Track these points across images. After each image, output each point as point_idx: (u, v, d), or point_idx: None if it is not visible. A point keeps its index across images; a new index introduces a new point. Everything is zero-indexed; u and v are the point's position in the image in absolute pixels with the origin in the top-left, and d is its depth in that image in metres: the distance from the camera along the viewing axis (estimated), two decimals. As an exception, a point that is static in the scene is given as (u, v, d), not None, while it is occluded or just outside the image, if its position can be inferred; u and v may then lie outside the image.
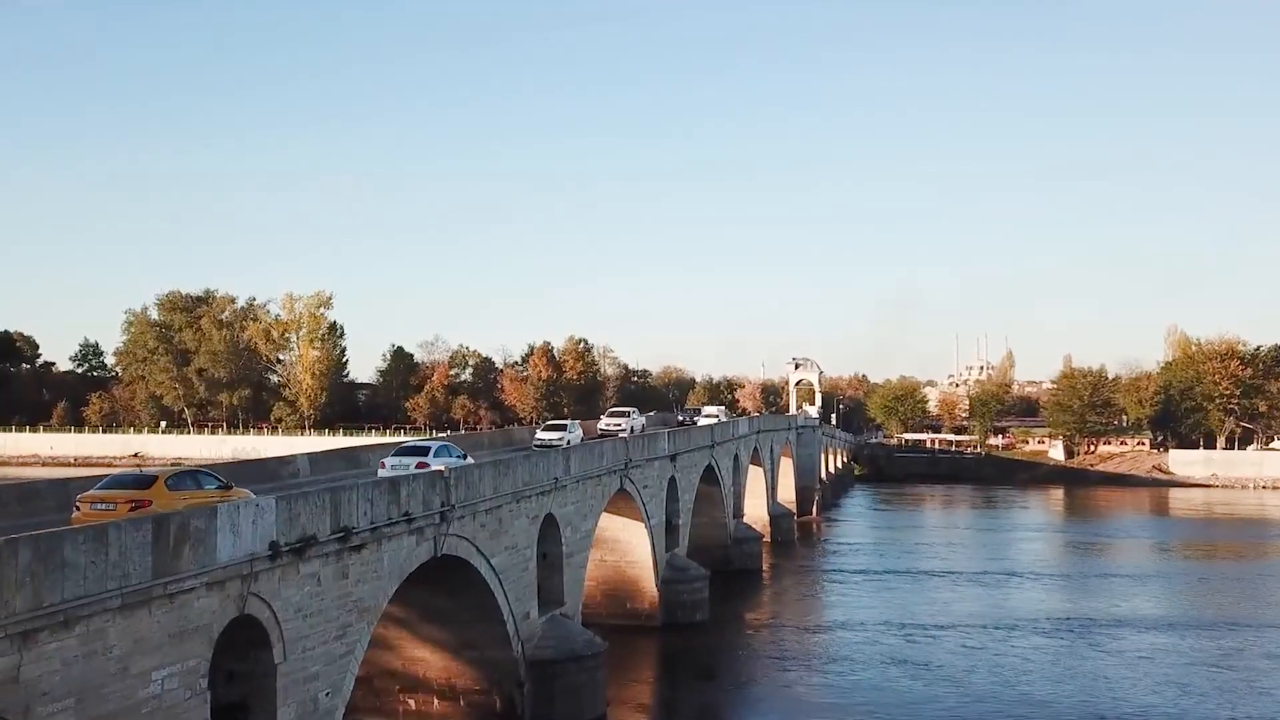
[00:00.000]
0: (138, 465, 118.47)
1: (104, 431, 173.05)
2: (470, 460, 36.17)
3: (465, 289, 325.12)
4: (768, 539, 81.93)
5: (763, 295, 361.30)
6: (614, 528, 50.53)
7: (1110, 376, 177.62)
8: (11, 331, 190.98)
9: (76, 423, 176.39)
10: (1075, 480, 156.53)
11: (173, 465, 49.33)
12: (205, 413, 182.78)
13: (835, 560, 79.84)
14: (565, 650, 36.61)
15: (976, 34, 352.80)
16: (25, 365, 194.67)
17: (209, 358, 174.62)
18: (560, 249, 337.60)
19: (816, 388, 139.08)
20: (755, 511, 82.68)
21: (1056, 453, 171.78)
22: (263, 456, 66.82)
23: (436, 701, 34.89)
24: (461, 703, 34.77)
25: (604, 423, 64.69)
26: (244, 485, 26.30)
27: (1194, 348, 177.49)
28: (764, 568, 73.83)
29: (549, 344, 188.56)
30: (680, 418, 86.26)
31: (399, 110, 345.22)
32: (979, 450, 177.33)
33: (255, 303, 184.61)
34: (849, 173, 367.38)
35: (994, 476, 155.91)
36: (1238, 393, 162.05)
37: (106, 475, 23.94)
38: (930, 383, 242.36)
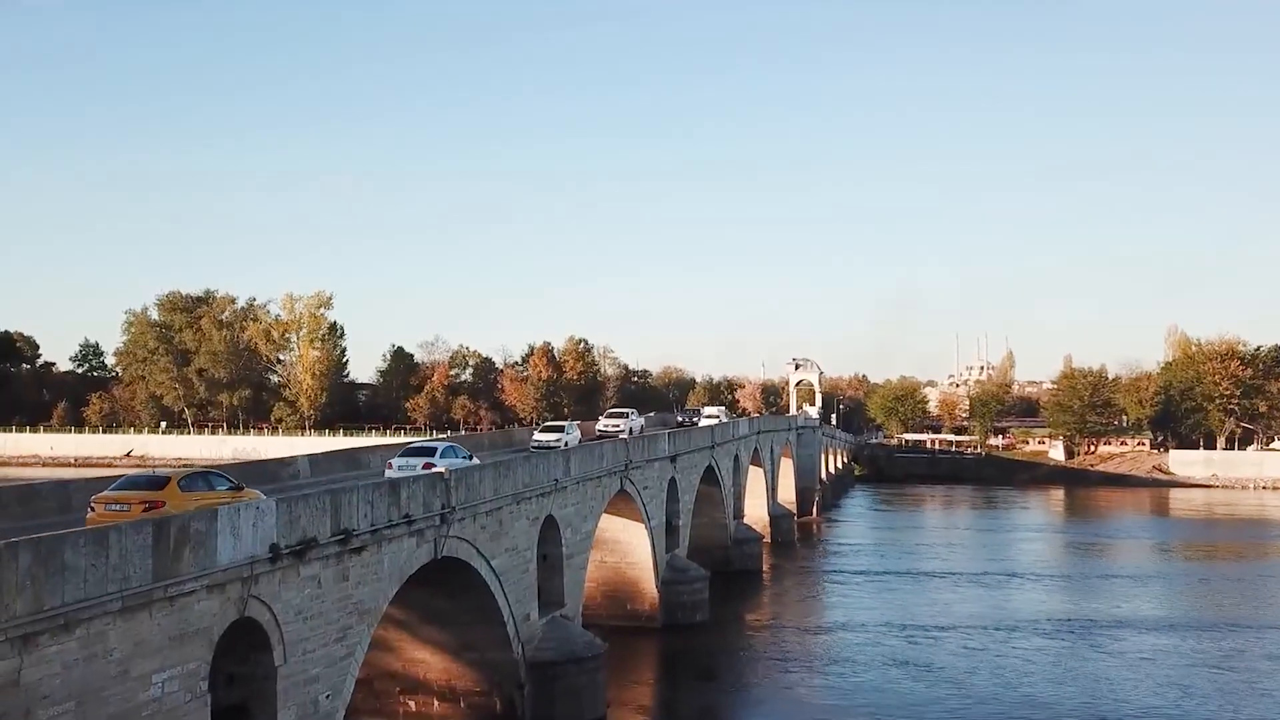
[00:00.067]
0: (138, 465, 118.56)
1: (104, 432, 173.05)
2: (476, 461, 36.23)
3: (465, 289, 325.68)
4: (768, 540, 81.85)
5: (763, 295, 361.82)
6: (614, 529, 50.49)
7: (1110, 377, 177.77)
8: (11, 331, 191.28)
9: (77, 423, 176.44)
10: (1075, 480, 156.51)
11: (183, 466, 49.31)
12: (205, 413, 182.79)
13: (836, 561, 79.78)
14: (565, 652, 36.59)
15: (976, 34, 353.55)
16: (25, 365, 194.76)
17: (209, 358, 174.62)
18: (560, 249, 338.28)
19: (817, 388, 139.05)
20: (755, 512, 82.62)
21: (1057, 453, 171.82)
22: (263, 457, 66.91)
23: (437, 703, 34.87)
24: (462, 704, 34.74)
25: (602, 424, 64.34)
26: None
27: (1194, 348, 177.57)
28: (764, 568, 73.74)
29: (549, 344, 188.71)
30: (680, 418, 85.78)
31: (399, 110, 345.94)
32: (979, 450, 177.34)
33: (255, 303, 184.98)
34: (849, 173, 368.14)
35: (994, 477, 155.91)
36: (1238, 393, 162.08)
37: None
38: (930, 383, 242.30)
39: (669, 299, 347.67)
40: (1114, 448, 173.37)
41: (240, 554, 20.43)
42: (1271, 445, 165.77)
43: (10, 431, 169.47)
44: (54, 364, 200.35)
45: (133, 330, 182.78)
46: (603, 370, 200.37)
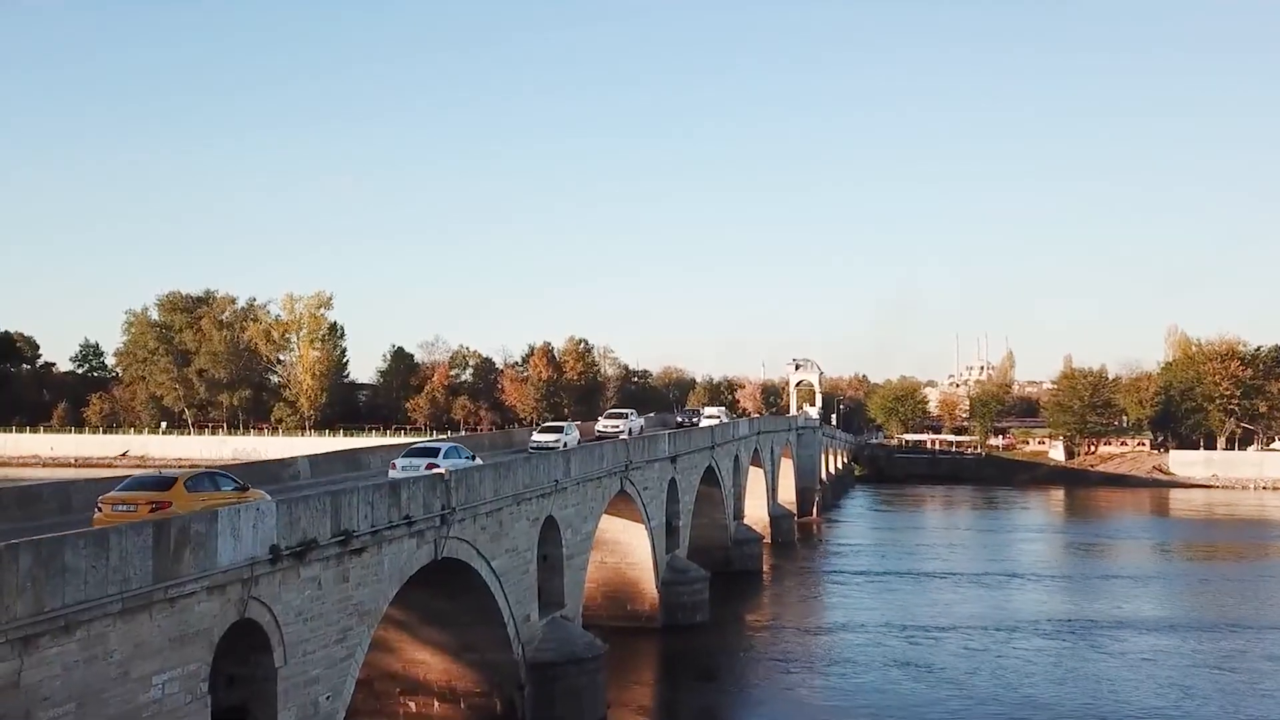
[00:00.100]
0: (136, 465, 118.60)
1: (104, 432, 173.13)
2: (479, 462, 36.24)
3: (465, 289, 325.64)
4: (768, 540, 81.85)
5: (763, 295, 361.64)
6: (614, 529, 50.46)
7: (1110, 377, 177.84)
8: (11, 332, 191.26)
9: (77, 423, 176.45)
10: (1075, 481, 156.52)
11: (184, 467, 49.31)
12: (205, 413, 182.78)
13: (836, 561, 79.76)
14: (566, 652, 36.57)
15: (976, 34, 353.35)
16: (25, 366, 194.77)
17: (209, 358, 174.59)
18: (560, 249, 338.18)
19: (817, 388, 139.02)
20: (755, 513, 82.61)
21: (1057, 453, 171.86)
22: (263, 458, 66.84)
23: (437, 704, 34.84)
24: (462, 705, 34.72)
25: (602, 424, 64.15)
26: (245, 488, 26.28)
27: (1194, 348, 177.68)
28: (764, 569, 73.73)
29: (549, 344, 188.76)
30: (679, 418, 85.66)
31: (399, 110, 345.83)
32: (979, 451, 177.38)
33: (255, 303, 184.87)
34: (849, 173, 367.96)
35: (994, 477, 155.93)
36: (1238, 393, 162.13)
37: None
38: (930, 383, 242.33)
39: (669, 299, 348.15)
40: (1114, 448, 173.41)
41: (240, 555, 20.41)
42: (1271, 445, 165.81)
43: (10, 432, 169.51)
44: (54, 364, 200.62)
45: (133, 330, 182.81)
46: (603, 370, 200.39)
